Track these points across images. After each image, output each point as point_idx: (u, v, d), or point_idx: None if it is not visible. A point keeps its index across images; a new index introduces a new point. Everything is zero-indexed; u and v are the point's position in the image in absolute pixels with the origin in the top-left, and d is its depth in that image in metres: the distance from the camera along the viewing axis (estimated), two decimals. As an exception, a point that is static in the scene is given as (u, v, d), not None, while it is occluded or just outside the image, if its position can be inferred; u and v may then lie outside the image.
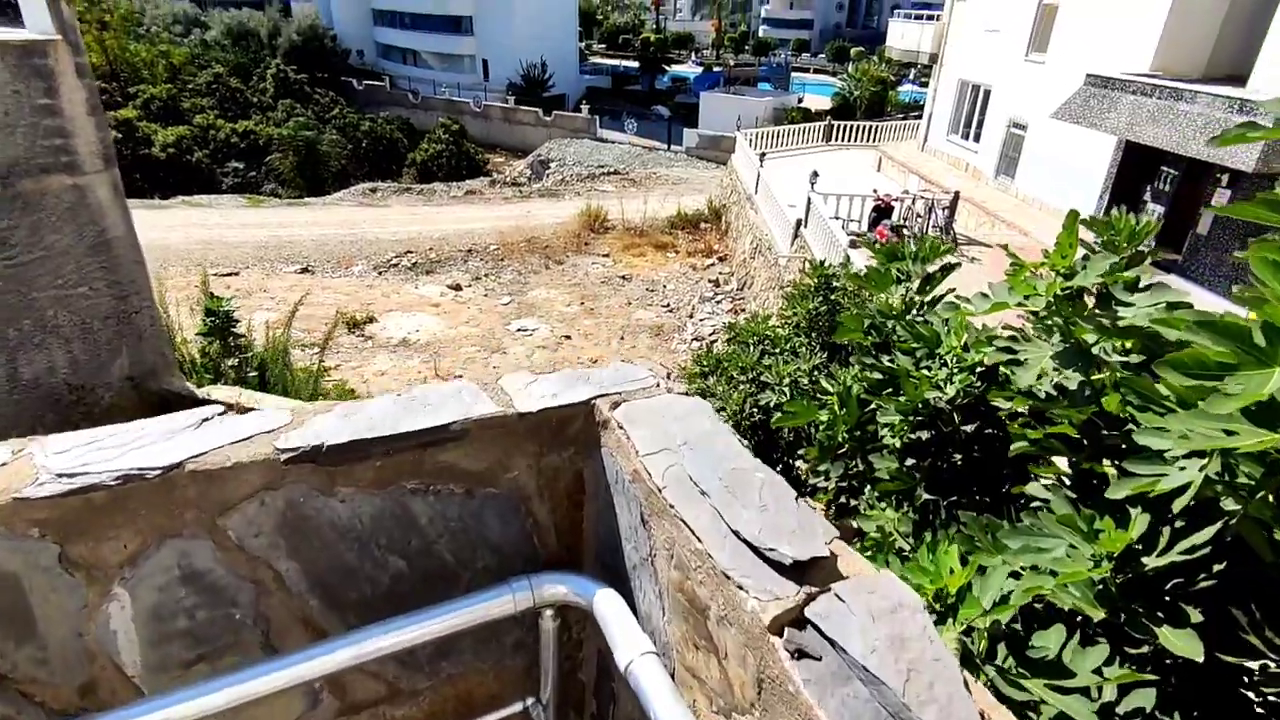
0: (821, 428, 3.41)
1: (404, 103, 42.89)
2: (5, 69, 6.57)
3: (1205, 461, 1.52)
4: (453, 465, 1.30)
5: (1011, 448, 2.24)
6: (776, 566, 0.95)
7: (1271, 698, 1.68)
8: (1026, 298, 2.29)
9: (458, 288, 17.91)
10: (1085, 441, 2.16)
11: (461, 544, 1.39)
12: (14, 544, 1.13)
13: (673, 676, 1.09)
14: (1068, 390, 2.16)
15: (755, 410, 6.72)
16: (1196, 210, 12.31)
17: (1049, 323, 2.21)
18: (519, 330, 15.60)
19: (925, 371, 2.86)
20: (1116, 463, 2.03)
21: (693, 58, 66.41)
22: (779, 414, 3.43)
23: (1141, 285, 2.11)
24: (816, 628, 0.84)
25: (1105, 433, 2.02)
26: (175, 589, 1.22)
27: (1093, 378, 2.02)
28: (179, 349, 10.27)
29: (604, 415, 1.27)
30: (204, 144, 31.87)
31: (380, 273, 19.03)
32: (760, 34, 75.93)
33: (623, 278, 18.87)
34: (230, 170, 31.61)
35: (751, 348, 7.68)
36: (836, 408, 3.39)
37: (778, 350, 7.22)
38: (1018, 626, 2.01)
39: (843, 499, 3.55)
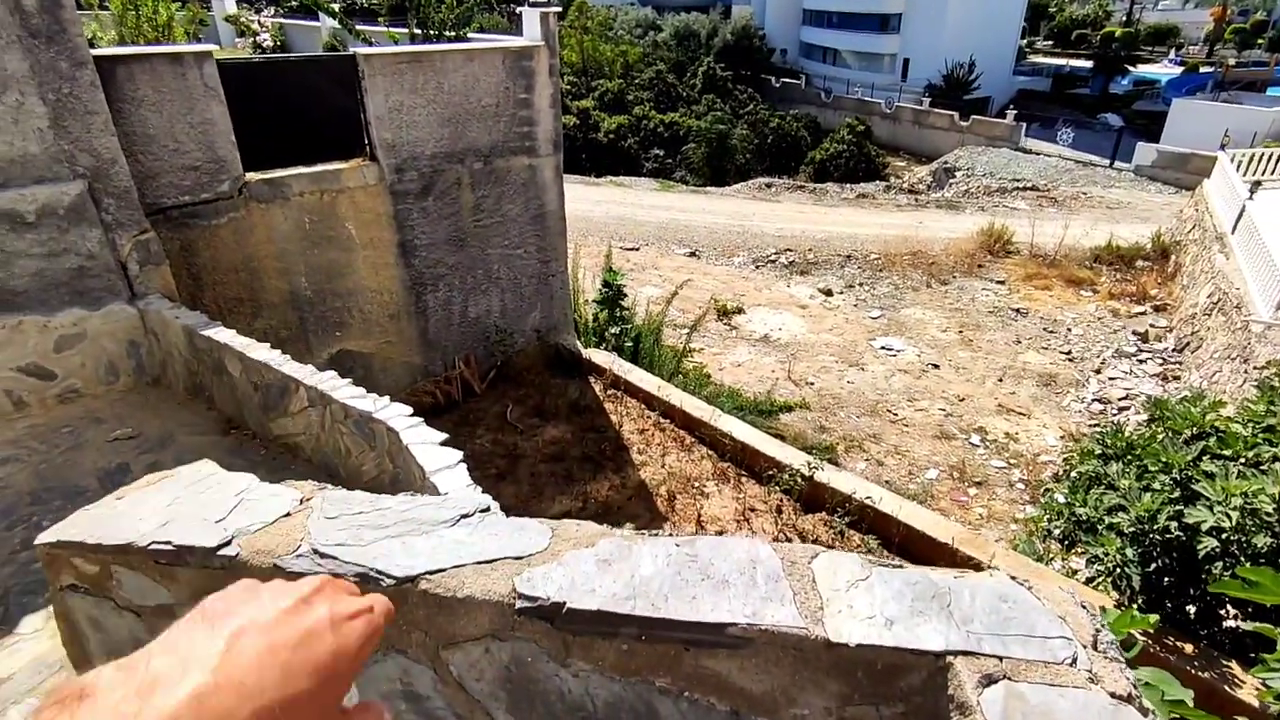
0: (1305, 621, 2.33)
1: (815, 101, 43.41)
2: (503, 68, 8.13)
3: None
4: (719, 675, 1.01)
5: None
6: None
7: None
8: None
9: (829, 293, 17.57)
10: None
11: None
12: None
13: None
14: None
15: (1174, 526, 5.17)
16: None
17: None
18: (883, 348, 14.69)
19: None
20: None
21: (1171, 55, 54.23)
22: (1224, 577, 2.41)
23: None
24: None
25: None
26: (396, 702, 1.17)
27: None
28: (579, 310, 11.96)
29: (963, 692, 0.83)
30: (636, 132, 36.57)
31: (758, 266, 19.65)
32: (1286, 24, 58.43)
33: (1017, 311, 16.44)
34: (652, 156, 35.78)
35: (1185, 441, 5.94)
36: (1341, 599, 2.29)
37: (1229, 455, 5.44)
38: None
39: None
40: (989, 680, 0.84)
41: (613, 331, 10.94)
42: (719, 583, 0.98)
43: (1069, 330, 15.51)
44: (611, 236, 20.63)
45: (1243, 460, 5.23)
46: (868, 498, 6.70)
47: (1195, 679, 4.74)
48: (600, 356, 9.85)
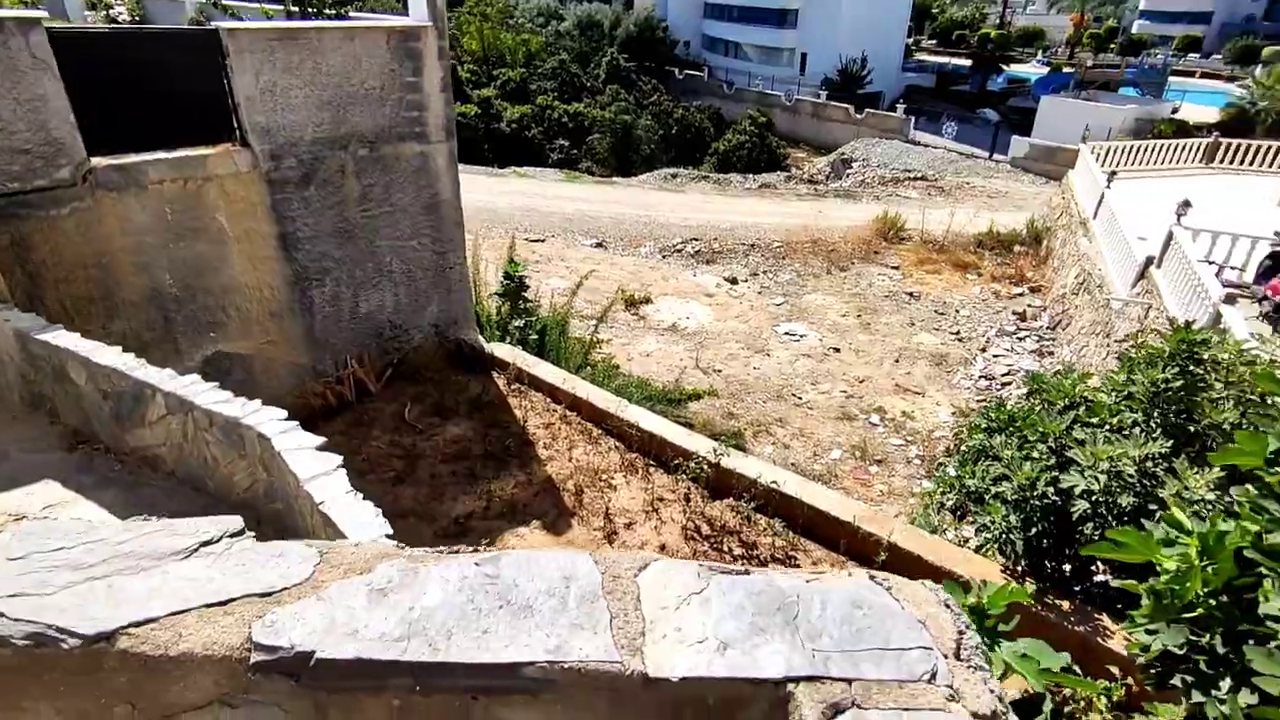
0: (1165, 577, 2.44)
1: (718, 93, 44.07)
2: (388, 50, 7.69)
3: None
4: None
5: None
6: None
7: None
8: None
9: (734, 281, 17.85)
10: None
11: None
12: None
13: None
14: None
15: (1051, 492, 5.46)
16: None
17: None
18: (786, 334, 15.05)
19: (1388, 557, 1.82)
20: None
21: (1039, 56, 58.39)
22: (1095, 537, 2.52)
23: None
24: None
25: None
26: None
27: None
28: (481, 305, 11.59)
29: None
30: (540, 122, 36.00)
31: (664, 256, 19.73)
32: (1134, 30, 64.17)
33: (910, 295, 17.23)
34: (557, 147, 35.33)
35: (1059, 411, 6.30)
36: (1194, 555, 2.41)
37: (1097, 422, 5.80)
38: None
39: (1179, 679, 2.54)
40: (835, 711, 0.73)
41: (516, 325, 10.66)
42: (520, 609, 0.81)
43: (957, 312, 16.40)
44: (516, 228, 20.18)
45: (1108, 427, 5.59)
46: (773, 481, 6.78)
47: (1072, 633, 5.04)
48: (503, 350, 9.56)
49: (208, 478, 4.47)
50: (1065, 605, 5.46)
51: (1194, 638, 2.44)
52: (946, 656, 0.81)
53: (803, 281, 17.94)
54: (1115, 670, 4.72)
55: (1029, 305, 16.61)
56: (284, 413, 4.24)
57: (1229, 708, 2.14)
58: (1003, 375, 13.47)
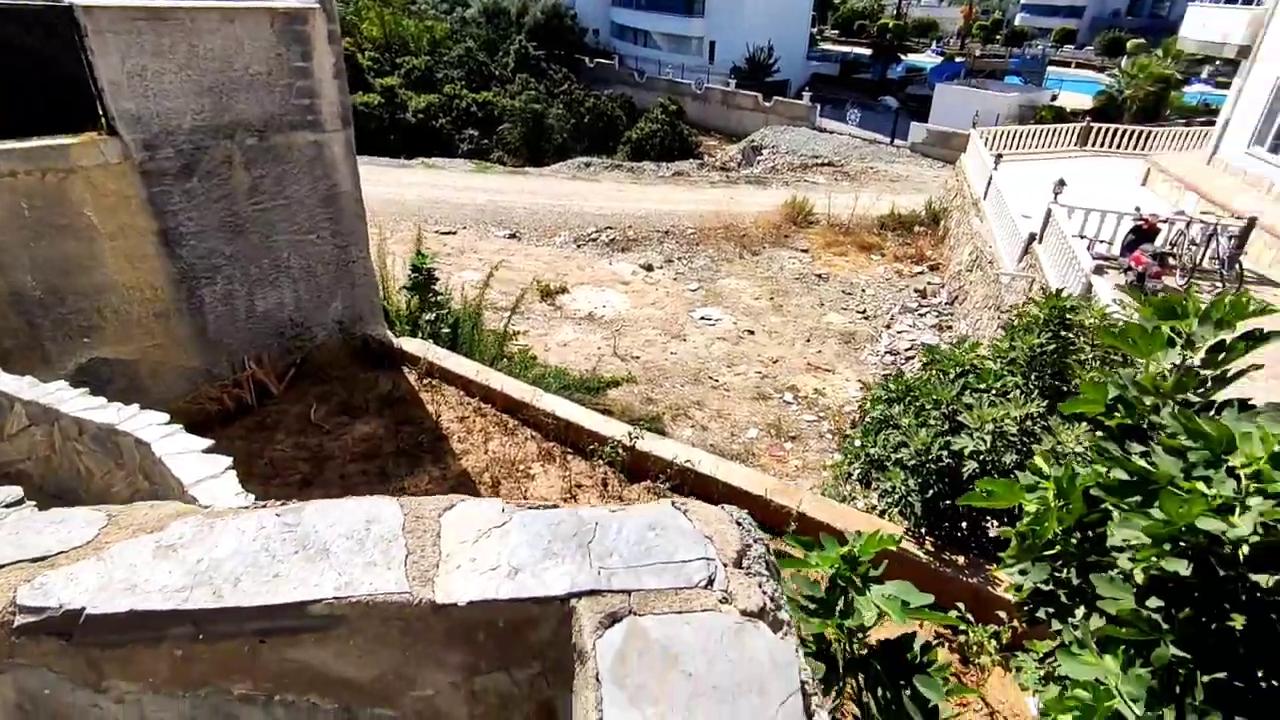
0: (1028, 519, 2.64)
1: (629, 81, 44.08)
2: (272, 33, 7.30)
3: None
4: (314, 667, 0.83)
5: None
6: None
7: None
8: None
9: (649, 268, 17.97)
10: None
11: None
12: None
13: None
14: None
15: (946, 454, 5.78)
16: None
17: None
18: (702, 319, 15.28)
19: (1201, 485, 2.02)
20: None
21: (933, 46, 61.30)
22: (971, 493, 2.70)
23: None
24: None
25: None
26: None
27: None
28: (389, 300, 11.23)
29: (582, 638, 0.77)
30: (448, 111, 35.07)
31: (579, 245, 19.64)
32: (1017, 22, 68.23)
33: (819, 276, 17.82)
34: (466, 137, 34.51)
35: (952, 379, 6.66)
36: (1051, 498, 2.60)
37: (984, 387, 6.17)
38: None
39: (1043, 611, 2.75)
40: (613, 619, 0.77)
41: (427, 319, 10.39)
42: (317, 553, 0.81)
43: (863, 291, 17.07)
44: (425, 220, 19.64)
45: (993, 391, 5.96)
46: (688, 461, 6.90)
47: (966, 585, 5.37)
48: (414, 345, 9.31)
49: (82, 491, 4.16)
50: (960, 559, 5.80)
51: (1055, 574, 2.65)
52: (726, 565, 0.86)
53: (717, 267, 18.25)
54: (1003, 615, 5.09)
55: (929, 283, 17.47)
56: (165, 416, 4.00)
57: (1081, 632, 2.34)
58: (906, 350, 14.13)
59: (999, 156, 17.91)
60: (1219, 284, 11.46)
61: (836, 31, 68.08)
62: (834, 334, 14.86)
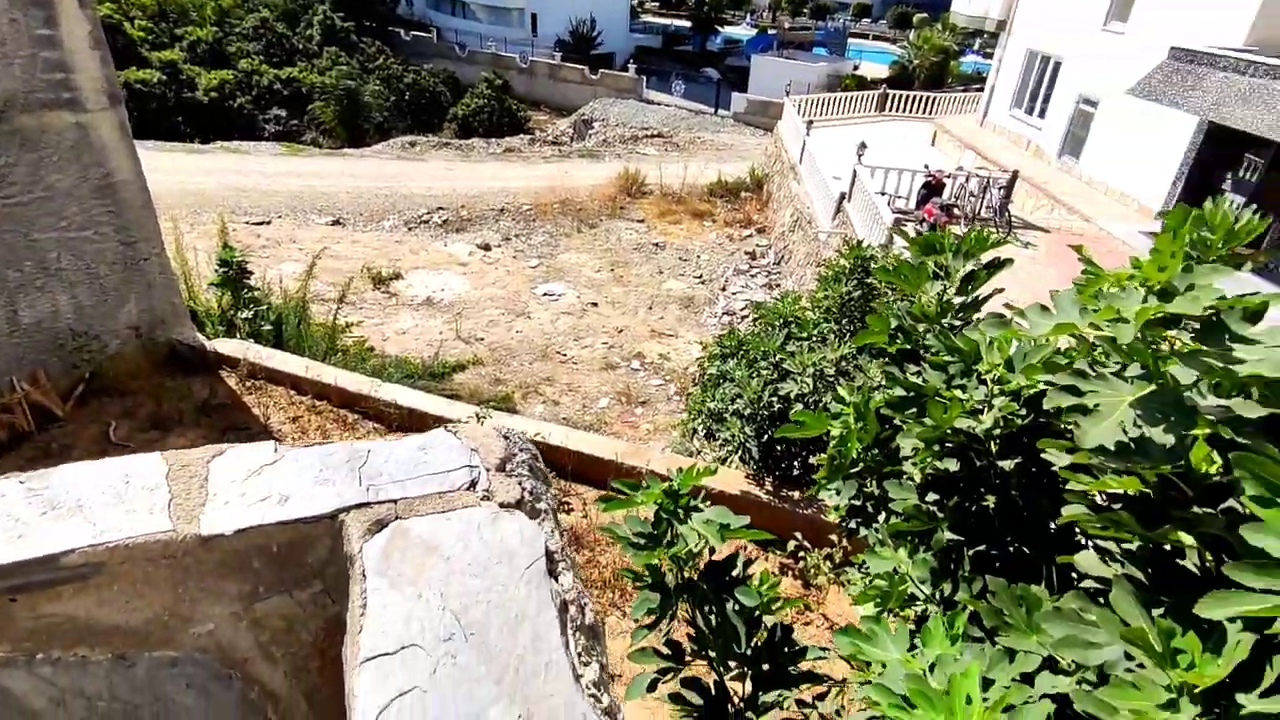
0: (834, 443, 2.94)
1: (450, 55, 42.28)
2: (2, -4, 6.24)
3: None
4: (77, 619, 0.80)
5: (1063, 513, 1.75)
6: None
7: None
8: (1108, 324, 1.76)
9: (487, 247, 17.57)
10: (1163, 509, 1.66)
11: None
12: None
13: None
14: (1147, 441, 1.65)
15: (775, 400, 6.23)
16: (1285, 203, 11.21)
17: (1126, 350, 1.69)
18: (545, 294, 15.23)
19: (959, 392, 2.36)
20: (1203, 535, 1.53)
21: (748, 19, 64.15)
22: (787, 424, 2.99)
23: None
24: None
25: (1198, 511, 1.52)
26: None
27: (1186, 434, 1.51)
28: (196, 299, 10.15)
29: (350, 545, 0.80)
30: (247, 90, 31.85)
31: (410, 228, 18.78)
32: (820, -4, 73.01)
33: (656, 245, 18.30)
34: (272, 118, 31.60)
35: (776, 331, 7.15)
36: (852, 421, 2.91)
37: (804, 336, 6.69)
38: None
39: (854, 523, 3.10)
40: (380, 525, 0.83)
41: (244, 316, 9.53)
42: (70, 510, 0.79)
43: (699, 257, 17.77)
44: (233, 211, 17.87)
45: (812, 338, 6.48)
46: (537, 434, 6.92)
47: (802, 517, 5.86)
48: (230, 346, 8.52)
49: None
50: (796, 495, 6.32)
51: (862, 488, 2.98)
52: (490, 470, 0.93)
53: (556, 242, 18.19)
54: (834, 538, 5.62)
55: (758, 245, 18.51)
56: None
57: (881, 533, 2.66)
58: (741, 310, 14.95)
59: (810, 123, 19.22)
60: (995, 229, 13.13)
61: (657, 4, 69.26)
62: (674, 300, 15.38)
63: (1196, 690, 1.27)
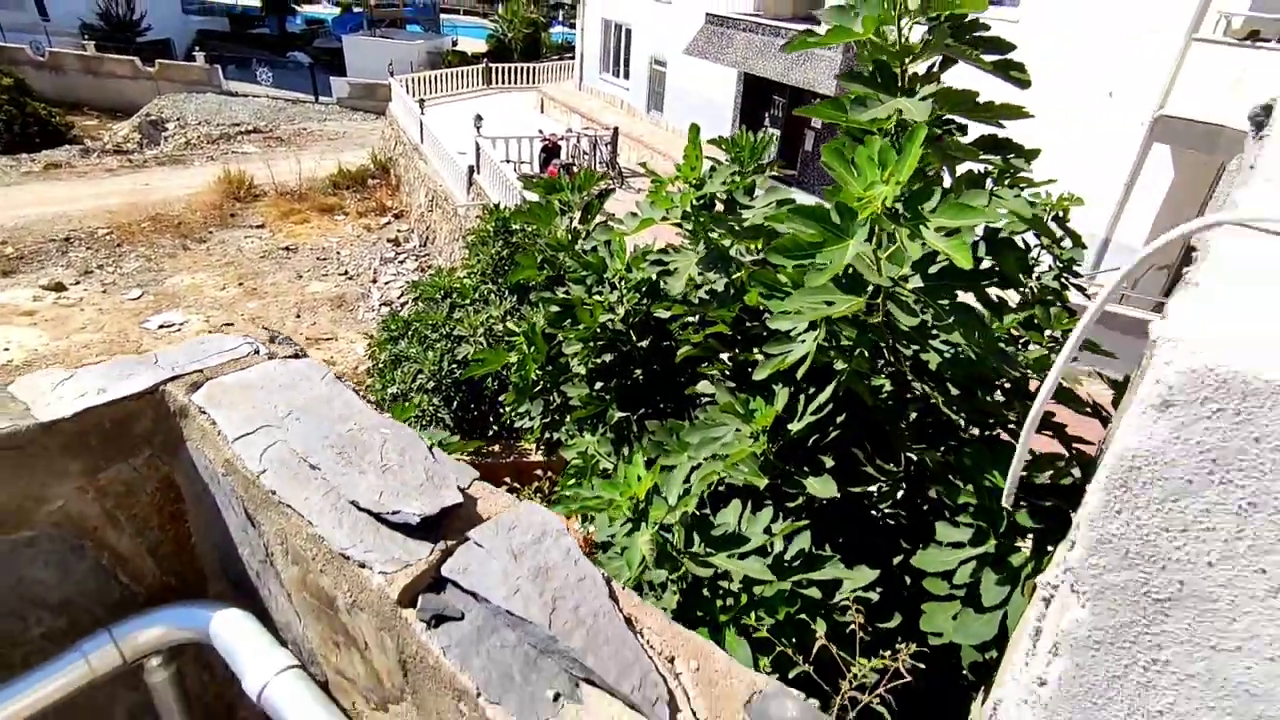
0: (514, 369, 3.35)
1: (-81, 52, 31.82)
2: None
3: (817, 332, 1.73)
4: None
5: (679, 353, 2.38)
6: (404, 529, 0.82)
7: (886, 510, 2.05)
8: (669, 211, 2.41)
9: (60, 287, 14.25)
10: (738, 336, 2.38)
11: (-6, 615, 1.10)
12: None
13: (326, 685, 0.91)
14: (716, 292, 2.35)
15: (455, 366, 6.49)
16: (802, 131, 14.67)
17: (693, 231, 2.36)
18: (161, 327, 13.01)
19: (597, 297, 2.92)
20: (761, 350, 2.27)
21: (327, -4, 59.67)
22: (470, 365, 3.30)
23: (758, 190, 2.34)
24: (456, 584, 0.74)
25: (750, 324, 2.24)
26: None
27: (734, 277, 2.20)
28: None
29: (180, 402, 1.00)
30: None
31: (-71, 283, 14.30)
32: (400, -29, 70.97)
33: (286, 249, 16.73)
34: None
35: (440, 303, 7.35)
36: (525, 347, 3.35)
37: (468, 301, 7.01)
38: (708, 512, 2.17)
39: (548, 434, 3.57)
40: (196, 386, 1.05)
41: None
42: None
43: (339, 253, 16.74)
44: None
45: (475, 302, 6.83)
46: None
47: (508, 464, 6.29)
48: None
49: None
50: (497, 448, 6.73)
51: (546, 403, 3.45)
52: (266, 344, 1.17)
53: (158, 265, 15.51)
54: (539, 473, 6.16)
55: (399, 231, 18.06)
56: None
57: (568, 429, 3.17)
58: (399, 297, 14.61)
59: (422, 102, 19.11)
60: (610, 181, 14.79)
61: (212, -19, 60.44)
62: (323, 302, 14.39)
63: (765, 429, 1.94)
